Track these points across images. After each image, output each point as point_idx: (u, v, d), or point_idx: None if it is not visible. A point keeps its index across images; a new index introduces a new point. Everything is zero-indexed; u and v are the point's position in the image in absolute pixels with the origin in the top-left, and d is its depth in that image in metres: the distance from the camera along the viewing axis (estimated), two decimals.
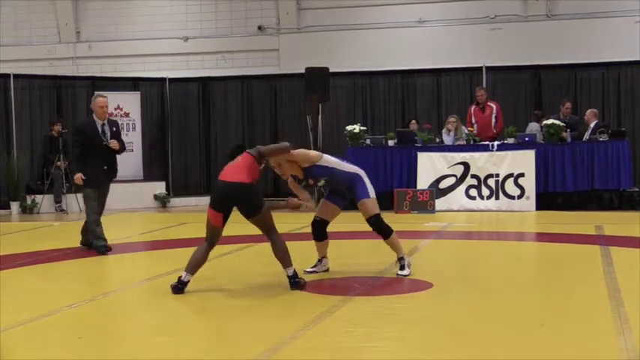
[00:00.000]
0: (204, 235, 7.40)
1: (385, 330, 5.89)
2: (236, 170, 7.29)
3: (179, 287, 7.22)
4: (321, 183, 7.98)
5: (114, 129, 10.24)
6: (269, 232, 7.38)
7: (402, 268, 7.92)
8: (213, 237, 7.38)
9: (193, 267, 7.32)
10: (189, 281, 7.26)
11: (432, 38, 18.66)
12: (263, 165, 7.49)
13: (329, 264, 8.36)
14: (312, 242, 8.26)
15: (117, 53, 19.83)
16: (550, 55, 17.70)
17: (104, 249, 10.00)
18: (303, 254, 8.53)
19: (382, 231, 7.96)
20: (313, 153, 7.96)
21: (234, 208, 7.33)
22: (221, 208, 7.27)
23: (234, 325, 6.19)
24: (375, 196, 7.96)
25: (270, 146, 7.69)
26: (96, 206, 10.10)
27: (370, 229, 8.04)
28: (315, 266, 8.32)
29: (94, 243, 10.07)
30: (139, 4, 20.09)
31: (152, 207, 17.54)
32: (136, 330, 6.25)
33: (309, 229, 8.27)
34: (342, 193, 8.06)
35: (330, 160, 7.89)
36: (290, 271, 7.38)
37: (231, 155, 7.48)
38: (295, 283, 7.36)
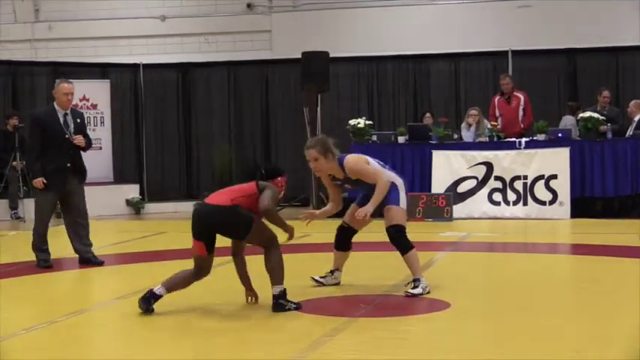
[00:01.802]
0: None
1: (394, 357, 5.89)
2: (222, 193, 7.36)
3: (147, 298, 7.19)
4: (358, 187, 8.12)
5: (78, 120, 10.23)
6: (266, 245, 7.35)
7: (414, 287, 7.89)
8: (200, 269, 7.38)
9: (171, 285, 7.32)
10: (161, 296, 7.25)
11: (448, 17, 18.67)
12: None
13: (341, 278, 8.41)
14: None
15: (82, 35, 19.80)
16: (587, 37, 17.69)
17: (43, 264, 10.03)
18: (304, 268, 8.53)
19: (400, 244, 7.94)
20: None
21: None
22: (199, 236, 7.29)
23: (217, 353, 6.18)
24: (405, 207, 8.00)
25: (272, 212, 7.36)
26: (47, 214, 10.12)
27: (387, 240, 8.02)
28: (324, 277, 8.38)
29: (36, 255, 10.11)
30: None
31: (124, 214, 17.53)
32: (103, 358, 6.23)
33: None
34: None
35: (374, 168, 8.00)
36: (277, 290, 7.28)
37: (245, 176, 7.49)
38: (279, 305, 7.24)
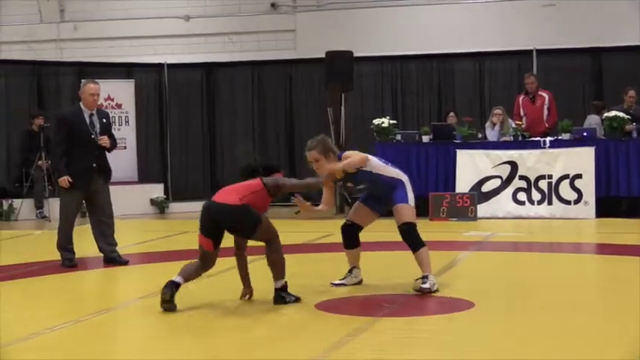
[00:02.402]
0: None
1: (418, 357, 5.89)
2: (230, 191, 7.52)
3: (168, 286, 7.31)
4: (362, 187, 8.18)
5: (104, 120, 10.29)
6: (269, 243, 7.54)
7: (424, 282, 7.92)
8: (206, 261, 7.55)
9: (186, 275, 7.48)
10: (180, 285, 7.38)
11: (473, 16, 18.61)
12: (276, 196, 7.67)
13: (362, 275, 8.45)
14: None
15: (107, 35, 19.89)
16: (613, 36, 17.60)
17: (68, 263, 10.09)
18: (326, 268, 8.53)
19: (412, 241, 8.01)
20: (360, 158, 7.97)
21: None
22: (208, 232, 7.46)
23: (240, 352, 6.20)
24: (414, 205, 8.08)
25: (295, 182, 7.76)
26: (72, 214, 10.20)
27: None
28: (344, 278, 8.42)
29: (61, 255, 10.17)
30: None
31: (148, 213, 17.59)
32: (127, 357, 6.27)
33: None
34: (380, 199, 8.18)
35: (375, 165, 8.06)
36: (279, 284, 7.50)
37: (242, 175, 7.69)
38: (280, 297, 7.47)
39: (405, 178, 8.11)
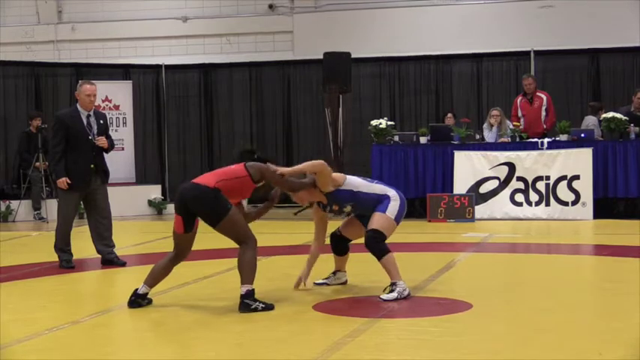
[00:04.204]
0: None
1: (417, 358, 5.89)
2: (211, 174, 7.43)
3: (134, 302, 7.47)
4: (347, 209, 7.98)
5: (101, 122, 10.29)
6: (239, 241, 7.36)
7: (390, 291, 7.74)
8: (179, 248, 7.54)
9: (152, 281, 7.54)
10: (146, 294, 7.50)
11: (471, 17, 18.63)
12: (261, 184, 7.49)
13: (347, 277, 8.46)
14: (332, 256, 8.31)
15: (105, 36, 19.91)
16: (611, 37, 17.61)
17: (66, 264, 10.09)
18: (324, 269, 8.55)
19: (374, 250, 7.80)
20: (335, 175, 7.90)
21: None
22: (179, 210, 7.42)
23: (238, 352, 6.20)
24: (393, 218, 7.85)
25: (278, 176, 7.61)
26: (71, 215, 10.20)
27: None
28: (327, 278, 8.45)
29: (59, 256, 10.18)
30: None
31: (146, 214, 17.59)
32: (126, 358, 6.26)
33: (327, 240, 8.30)
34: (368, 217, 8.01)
35: (354, 183, 7.92)
36: (244, 289, 7.27)
37: (236, 159, 7.59)
38: (244, 304, 7.24)
39: (392, 193, 7.93)
